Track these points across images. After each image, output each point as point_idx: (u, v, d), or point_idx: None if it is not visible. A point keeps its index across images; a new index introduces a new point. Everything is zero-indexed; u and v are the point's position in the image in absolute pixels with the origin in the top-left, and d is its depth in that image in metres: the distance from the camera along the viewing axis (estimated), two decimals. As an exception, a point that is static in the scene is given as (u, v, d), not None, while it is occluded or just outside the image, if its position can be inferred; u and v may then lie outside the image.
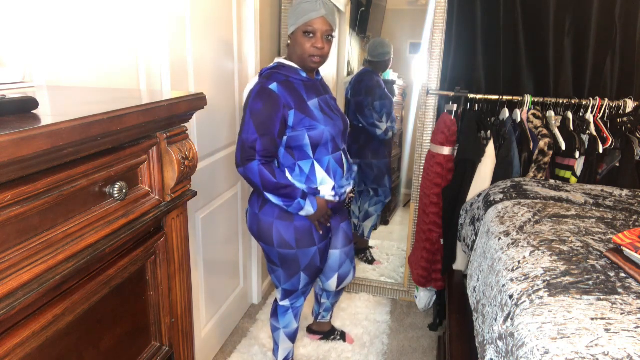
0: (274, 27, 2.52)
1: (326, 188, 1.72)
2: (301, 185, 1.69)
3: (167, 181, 0.96)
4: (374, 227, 3.26)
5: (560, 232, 1.40)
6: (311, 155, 1.68)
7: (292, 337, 2.02)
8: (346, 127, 1.81)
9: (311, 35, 1.60)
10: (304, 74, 1.68)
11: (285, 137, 1.65)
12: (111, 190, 0.80)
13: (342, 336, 2.36)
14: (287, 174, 1.69)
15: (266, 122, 1.57)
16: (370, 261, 3.13)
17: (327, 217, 1.76)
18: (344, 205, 1.98)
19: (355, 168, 1.90)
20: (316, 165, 1.70)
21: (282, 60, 1.69)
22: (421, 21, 2.42)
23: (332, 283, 1.98)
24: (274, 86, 1.59)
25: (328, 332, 2.36)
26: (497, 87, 2.43)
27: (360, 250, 3.15)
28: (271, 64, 1.71)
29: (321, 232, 1.77)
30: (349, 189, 1.84)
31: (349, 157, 1.86)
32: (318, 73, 1.79)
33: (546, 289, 1.08)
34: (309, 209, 1.67)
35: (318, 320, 2.35)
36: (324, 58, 1.65)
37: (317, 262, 1.81)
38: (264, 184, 1.60)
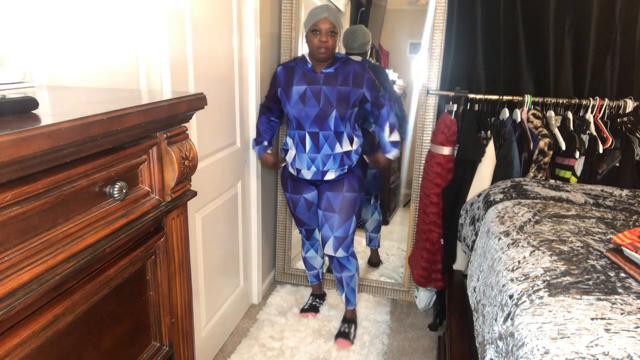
0: (274, 27, 2.52)
1: (290, 155, 2.20)
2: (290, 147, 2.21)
3: (167, 181, 0.96)
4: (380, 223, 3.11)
5: (560, 232, 1.40)
6: (290, 127, 2.19)
7: (308, 269, 2.57)
8: (323, 116, 2.08)
9: (317, 32, 1.99)
10: (309, 65, 2.10)
11: (284, 110, 2.18)
12: (111, 190, 0.80)
13: (339, 335, 2.33)
14: (289, 140, 2.19)
15: (269, 90, 2.23)
16: (374, 264, 3.09)
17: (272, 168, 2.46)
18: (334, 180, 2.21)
19: (332, 157, 2.13)
20: (290, 135, 2.18)
21: (305, 53, 2.15)
22: (421, 21, 2.42)
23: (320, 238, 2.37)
24: (279, 69, 2.17)
25: (342, 320, 2.43)
26: (497, 87, 2.43)
27: (374, 263, 3.07)
28: (299, 55, 2.21)
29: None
30: (310, 172, 2.14)
31: (325, 143, 2.10)
32: (330, 66, 2.08)
33: (546, 289, 1.08)
34: (254, 152, 2.34)
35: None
36: (329, 50, 2.01)
37: (291, 207, 2.35)
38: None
